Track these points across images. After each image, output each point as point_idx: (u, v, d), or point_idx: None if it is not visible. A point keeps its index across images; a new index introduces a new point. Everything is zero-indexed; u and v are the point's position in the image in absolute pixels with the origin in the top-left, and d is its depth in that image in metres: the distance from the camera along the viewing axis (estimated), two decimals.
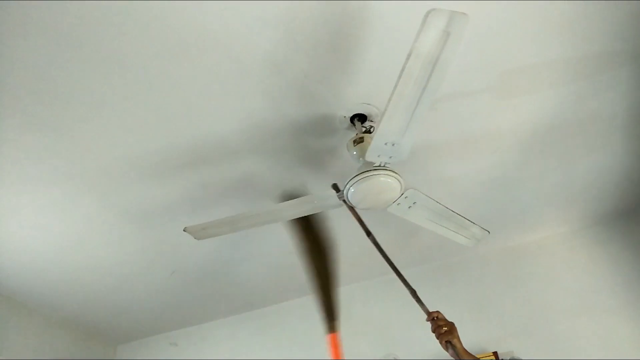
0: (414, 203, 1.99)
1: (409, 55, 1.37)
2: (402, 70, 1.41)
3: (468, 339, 2.85)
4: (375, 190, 1.80)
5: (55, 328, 3.25)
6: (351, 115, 1.98)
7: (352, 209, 1.92)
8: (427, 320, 1.64)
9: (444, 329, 1.57)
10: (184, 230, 2.01)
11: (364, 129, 1.97)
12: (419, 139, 2.15)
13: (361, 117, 1.98)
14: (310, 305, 3.28)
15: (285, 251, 2.84)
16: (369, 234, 1.91)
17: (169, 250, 2.76)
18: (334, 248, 2.04)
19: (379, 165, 1.77)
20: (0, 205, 2.26)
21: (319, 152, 2.19)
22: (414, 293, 1.75)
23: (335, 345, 1.84)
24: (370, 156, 1.72)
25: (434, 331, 1.59)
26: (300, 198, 1.94)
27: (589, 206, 2.79)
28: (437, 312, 1.62)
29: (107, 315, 3.32)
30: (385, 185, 1.78)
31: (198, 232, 2.03)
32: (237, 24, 1.60)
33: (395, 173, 1.77)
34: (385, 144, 1.66)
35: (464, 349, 1.56)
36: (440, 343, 1.58)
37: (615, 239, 2.88)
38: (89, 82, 1.75)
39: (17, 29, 1.54)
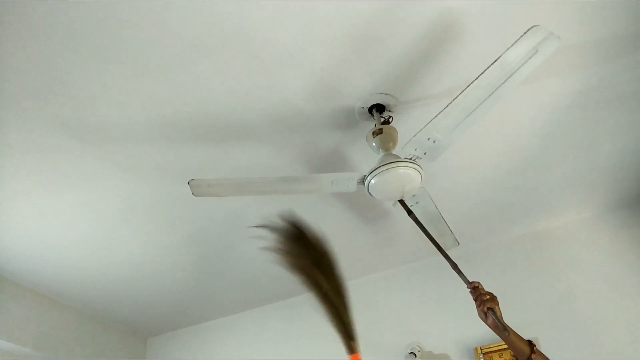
0: (416, 203, 2.02)
1: (494, 62, 1.44)
2: (481, 73, 1.47)
3: None
4: (400, 181, 1.79)
5: (87, 323, 3.35)
6: (369, 106, 1.99)
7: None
8: (469, 288, 1.65)
9: (486, 297, 1.58)
10: (188, 183, 1.89)
11: (382, 120, 1.97)
12: None
13: (379, 108, 1.98)
14: None
15: None
16: (410, 212, 1.92)
17: (197, 246, 2.82)
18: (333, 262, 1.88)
19: (411, 158, 1.77)
20: (33, 206, 2.34)
21: (338, 144, 2.20)
22: (455, 266, 1.78)
23: None
24: (409, 148, 1.73)
25: (475, 299, 1.61)
26: (317, 175, 1.94)
27: (612, 190, 2.75)
28: (478, 282, 1.64)
29: (137, 309, 3.41)
30: (408, 178, 1.78)
31: (202, 188, 1.90)
32: (255, 18, 1.61)
33: (420, 168, 1.78)
34: (428, 139, 1.68)
35: None
36: (480, 312, 1.58)
37: None
38: (111, 84, 1.79)
39: (36, 32, 1.58)
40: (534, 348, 1.51)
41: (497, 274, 2.98)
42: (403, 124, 2.02)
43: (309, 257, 1.82)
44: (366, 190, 1.87)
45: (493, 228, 2.98)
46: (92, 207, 2.41)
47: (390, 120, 2.00)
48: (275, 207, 2.52)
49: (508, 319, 2.76)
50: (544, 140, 2.33)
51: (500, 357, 2.72)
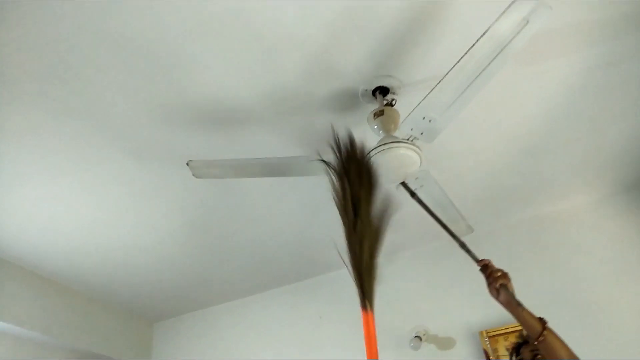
0: (421, 186, 1.98)
1: (483, 34, 1.39)
2: (472, 46, 1.42)
3: (497, 309, 2.84)
4: (399, 162, 1.77)
5: (94, 307, 3.38)
6: (373, 88, 1.97)
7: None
8: (479, 265, 1.64)
9: (498, 274, 1.57)
10: (187, 164, 1.90)
11: (385, 102, 1.95)
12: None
13: (383, 90, 1.96)
14: (341, 279, 3.34)
15: (315, 225, 2.87)
16: (413, 194, 1.90)
17: (202, 230, 2.82)
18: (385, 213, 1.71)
19: (408, 139, 1.75)
20: (37, 191, 2.35)
21: (341, 126, 2.18)
22: (462, 245, 1.75)
23: (368, 324, 1.71)
24: (404, 127, 1.70)
25: (487, 277, 1.59)
26: (313, 156, 1.87)
27: (619, 173, 2.72)
28: (488, 259, 1.62)
29: (144, 293, 3.44)
30: (407, 159, 1.76)
31: (201, 169, 1.91)
32: (256, 1, 1.59)
33: (419, 149, 1.75)
34: (424, 118, 1.66)
35: None
36: (492, 289, 1.58)
37: None
38: (114, 68, 1.79)
39: (40, 16, 1.57)
40: (546, 325, 1.50)
41: (502, 258, 2.92)
42: (407, 107, 1.99)
43: (360, 188, 1.60)
44: None
45: (498, 212, 2.97)
46: (96, 192, 2.42)
47: (393, 102, 1.98)
48: (279, 191, 2.55)
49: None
50: (550, 123, 2.30)
51: (505, 340, 2.73)
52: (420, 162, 1.80)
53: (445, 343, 2.87)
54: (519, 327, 2.70)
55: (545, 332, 1.48)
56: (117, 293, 3.38)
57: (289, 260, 3.26)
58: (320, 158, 1.71)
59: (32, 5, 1.53)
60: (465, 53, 1.45)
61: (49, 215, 2.53)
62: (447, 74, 1.51)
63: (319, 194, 2.57)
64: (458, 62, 1.48)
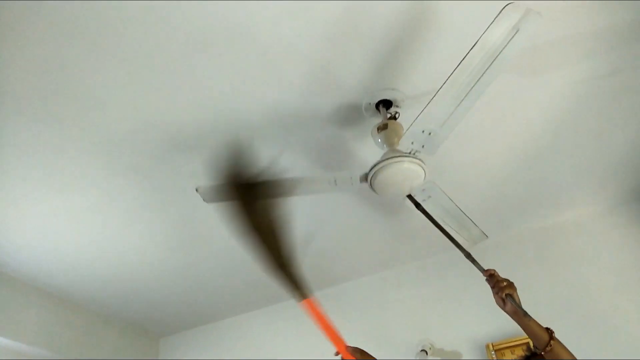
0: (429, 197, 1.99)
1: (474, 45, 1.39)
2: (464, 57, 1.43)
3: (503, 322, 2.82)
4: (401, 176, 1.79)
5: (100, 323, 3.37)
6: (376, 101, 1.98)
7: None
8: (485, 275, 1.64)
9: (504, 283, 1.56)
10: (196, 190, 1.94)
11: (389, 115, 1.97)
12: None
13: (386, 103, 1.98)
14: (348, 292, 3.33)
15: (321, 237, 2.88)
16: (417, 205, 1.93)
17: (207, 244, 2.83)
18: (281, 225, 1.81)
19: (410, 152, 1.76)
20: (43, 208, 2.36)
21: (345, 140, 2.20)
22: (468, 255, 1.76)
23: (314, 308, 1.74)
24: (405, 142, 1.72)
25: (493, 286, 1.59)
26: (320, 176, 1.96)
27: (624, 182, 2.71)
28: (493, 269, 1.62)
29: (150, 309, 3.43)
30: (411, 172, 1.77)
31: (210, 194, 1.95)
32: (261, 14, 1.61)
33: (422, 162, 1.77)
34: (423, 131, 1.67)
35: None
36: (498, 299, 1.57)
37: None
38: (115, 82, 1.80)
39: (41, 31, 1.59)
40: (553, 335, 1.50)
41: (507, 269, 2.91)
42: (410, 120, 2.00)
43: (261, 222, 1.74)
44: (370, 187, 1.86)
45: (503, 223, 2.96)
46: (101, 208, 2.42)
47: (397, 116, 1.99)
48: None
49: None
50: (554, 132, 2.31)
51: (512, 353, 2.70)
52: (425, 175, 1.81)
53: (451, 356, 2.85)
54: (526, 340, 2.68)
55: (552, 342, 1.48)
56: (123, 308, 3.37)
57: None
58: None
59: (37, 23, 1.55)
60: (458, 65, 1.45)
61: (54, 231, 2.54)
62: (441, 87, 1.52)
63: (324, 207, 2.58)
64: (451, 74, 1.48)
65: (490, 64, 1.44)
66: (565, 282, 2.78)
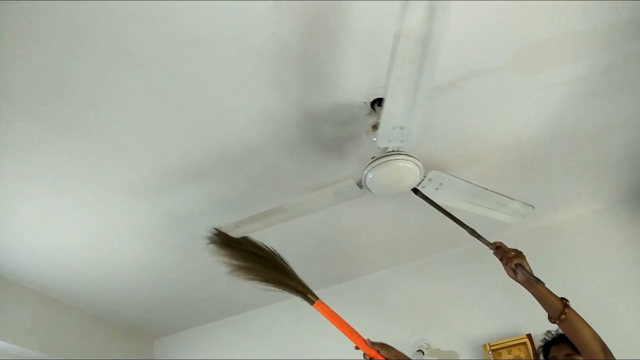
0: (440, 184, 1.95)
1: (397, 38, 1.32)
2: (394, 53, 1.36)
3: (501, 321, 2.83)
4: (393, 175, 1.78)
5: (94, 324, 3.35)
6: (371, 100, 1.96)
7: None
8: (491, 249, 1.62)
9: (512, 254, 1.54)
10: (217, 229, 2.11)
11: None
12: (442, 119, 2.12)
13: (382, 102, 1.95)
14: (346, 293, 3.30)
15: (318, 238, 2.86)
16: (416, 191, 1.92)
17: (202, 242, 2.79)
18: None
19: (393, 150, 1.75)
20: (34, 208, 2.33)
21: (341, 140, 2.18)
22: (473, 232, 1.76)
23: (326, 310, 1.91)
24: (381, 142, 1.71)
25: (501, 258, 1.57)
26: (324, 189, 1.95)
27: (622, 181, 2.70)
28: (500, 242, 1.60)
29: (144, 310, 3.41)
30: (402, 169, 1.76)
31: (232, 230, 2.10)
32: (253, 14, 1.59)
33: (411, 156, 1.75)
34: (393, 128, 1.64)
35: None
36: (509, 270, 1.55)
37: None
38: (109, 83, 1.77)
39: (36, 32, 1.56)
40: (567, 304, 1.46)
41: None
42: None
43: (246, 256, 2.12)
44: (367, 189, 1.86)
45: (500, 222, 2.94)
46: (96, 208, 2.40)
47: None
48: (265, 201, 2.53)
49: (517, 315, 2.75)
50: (551, 131, 2.29)
51: (509, 353, 2.69)
52: (420, 167, 1.80)
53: (448, 356, 2.84)
54: (523, 340, 2.67)
55: (566, 311, 1.44)
56: (117, 309, 3.34)
57: None
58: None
59: (32, 23, 1.53)
60: (392, 61, 1.39)
61: (49, 233, 2.51)
62: (387, 85, 1.47)
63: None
64: (391, 71, 1.42)
65: (426, 50, 1.35)
66: (563, 282, 2.75)
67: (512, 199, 2.08)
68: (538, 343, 2.51)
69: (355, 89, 1.92)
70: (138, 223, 2.55)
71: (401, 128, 1.64)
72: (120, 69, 1.72)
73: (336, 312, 2.00)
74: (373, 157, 1.79)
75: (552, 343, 2.14)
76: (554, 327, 1.74)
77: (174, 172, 2.24)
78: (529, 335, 2.67)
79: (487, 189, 2.01)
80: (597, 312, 2.64)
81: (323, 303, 1.98)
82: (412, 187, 1.90)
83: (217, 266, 3.01)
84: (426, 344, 2.86)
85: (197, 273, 3.06)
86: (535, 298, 1.54)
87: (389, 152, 1.76)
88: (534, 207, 2.15)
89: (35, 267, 2.75)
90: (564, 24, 1.78)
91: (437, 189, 1.95)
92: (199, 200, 2.43)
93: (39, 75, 1.71)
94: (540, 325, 2.68)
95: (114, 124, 1.95)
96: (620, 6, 1.74)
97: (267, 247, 2.18)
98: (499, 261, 1.68)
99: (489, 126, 2.21)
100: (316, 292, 3.55)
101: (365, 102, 1.97)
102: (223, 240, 2.15)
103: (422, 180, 1.89)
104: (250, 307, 3.58)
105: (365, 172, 1.79)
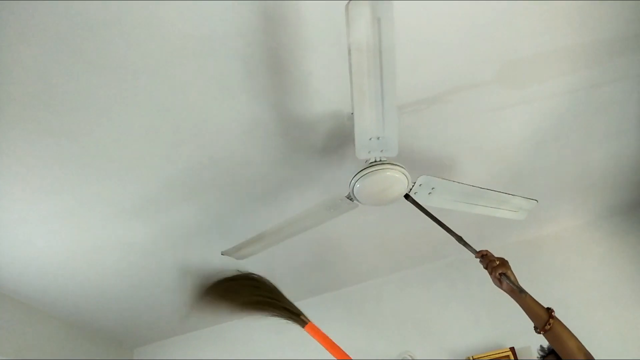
0: (432, 189, 1.94)
1: (349, 51, 1.33)
2: (350, 66, 1.37)
3: (485, 334, 2.84)
4: (380, 185, 1.78)
5: (72, 333, 3.27)
6: None
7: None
8: (477, 257, 1.61)
9: (496, 262, 1.53)
10: (222, 254, 2.18)
11: None
12: (427, 133, 2.13)
13: None
14: (326, 306, 3.28)
15: (301, 252, 2.84)
16: (407, 197, 1.92)
17: (184, 252, 2.77)
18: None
19: (376, 161, 1.75)
20: (13, 213, 2.28)
21: (330, 149, 2.17)
22: (460, 239, 1.75)
23: (318, 333, 1.94)
24: (361, 154, 1.71)
25: (486, 267, 1.56)
26: (316, 206, 1.97)
27: (605, 196, 2.73)
28: (486, 250, 1.59)
29: (123, 318, 3.34)
30: (388, 178, 1.76)
31: (235, 254, 2.16)
32: (241, 24, 1.58)
33: (395, 164, 1.75)
34: (370, 139, 1.65)
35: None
36: (494, 278, 1.54)
37: (634, 229, 2.82)
38: (95, 89, 1.75)
39: (19, 36, 1.54)
40: (552, 314, 1.46)
41: (488, 282, 2.93)
42: None
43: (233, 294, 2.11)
44: (357, 201, 1.86)
45: (484, 236, 2.96)
46: (76, 214, 2.35)
47: None
48: (257, 211, 2.51)
49: (500, 328, 2.76)
50: (535, 147, 2.31)
51: None
52: (407, 177, 1.80)
53: None
54: (507, 353, 2.67)
55: (551, 321, 1.43)
56: (95, 317, 3.28)
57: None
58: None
59: (17, 29, 1.50)
60: (350, 75, 1.39)
61: (27, 238, 2.45)
62: (351, 97, 1.48)
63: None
64: (352, 85, 1.43)
65: (381, 60, 1.36)
66: (545, 296, 2.73)
67: (513, 195, 2.05)
68: (522, 356, 2.52)
69: (342, 99, 1.92)
70: (120, 231, 2.50)
71: (377, 138, 1.65)
72: (105, 76, 1.70)
73: (323, 329, 2.00)
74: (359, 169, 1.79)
75: (548, 354, 2.14)
76: (539, 342, 1.74)
77: (157, 181, 2.21)
78: (512, 349, 2.68)
79: (482, 188, 1.99)
80: (579, 326, 2.64)
81: (314, 325, 1.97)
82: (404, 194, 1.89)
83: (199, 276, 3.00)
84: (410, 356, 2.86)
85: (177, 281, 3.02)
86: (521, 307, 1.54)
87: (372, 162, 1.76)
88: (537, 201, 2.10)
89: (11, 273, 2.68)
90: (550, 40, 1.80)
91: (430, 193, 1.94)
92: (184, 209, 2.40)
93: (23, 80, 1.68)
94: (524, 339, 2.70)
95: (98, 130, 1.92)
96: (606, 23, 1.77)
97: (256, 275, 2.18)
98: (483, 274, 1.68)
99: (474, 140, 2.23)
100: (299, 303, 3.53)
101: (351, 113, 1.96)
102: (209, 293, 2.14)
103: (413, 186, 1.88)
104: (231, 317, 3.53)
105: (352, 183, 1.79)
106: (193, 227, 2.56)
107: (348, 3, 1.20)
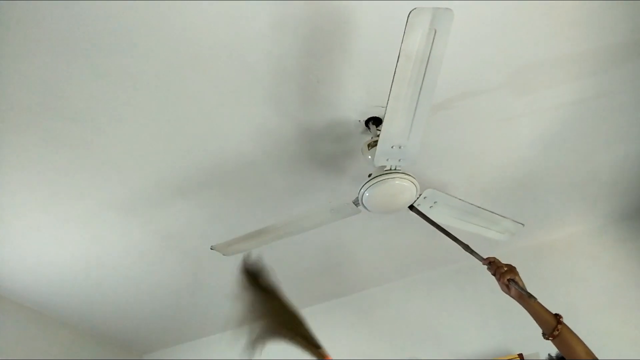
0: (434, 202, 1.95)
1: (398, 57, 1.35)
2: (394, 72, 1.39)
3: (493, 340, 2.82)
4: (390, 194, 1.78)
5: (82, 339, 3.30)
6: (366, 119, 1.98)
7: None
8: (484, 264, 1.61)
9: (504, 269, 1.53)
10: (211, 249, 2.07)
11: (379, 132, 1.95)
12: (436, 138, 2.14)
13: (376, 120, 1.97)
14: (333, 311, 3.28)
15: (308, 258, 2.85)
16: (411, 207, 1.92)
17: (192, 257, 2.79)
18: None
19: (390, 169, 1.76)
20: (26, 221, 2.31)
21: (336, 157, 2.19)
22: (466, 247, 1.74)
23: None
24: (379, 160, 1.71)
25: (494, 273, 1.56)
26: (320, 207, 1.95)
27: (614, 201, 2.73)
28: (493, 257, 1.59)
29: (132, 325, 3.36)
30: (399, 188, 1.76)
31: (225, 249, 2.09)
32: (249, 32, 1.60)
33: (408, 175, 1.76)
34: (392, 147, 1.65)
35: None
36: (502, 285, 1.54)
37: None
38: (105, 98, 1.78)
39: (31, 47, 1.57)
40: (561, 320, 1.45)
41: (497, 288, 2.93)
42: None
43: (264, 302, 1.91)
44: (364, 207, 1.86)
45: (492, 241, 2.95)
46: (85, 222, 2.38)
47: None
48: (260, 218, 2.52)
49: (509, 334, 2.75)
50: (543, 152, 2.31)
51: None
52: (416, 186, 1.80)
53: None
54: (515, 359, 2.66)
55: (559, 327, 1.42)
56: (105, 324, 3.30)
57: None
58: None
59: (27, 38, 1.53)
60: (392, 80, 1.42)
61: (37, 247, 2.48)
62: (387, 104, 1.49)
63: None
64: (390, 91, 1.45)
65: (425, 70, 1.39)
66: (554, 301, 2.73)
67: (504, 217, 2.10)
68: None
69: (350, 107, 1.93)
70: (130, 238, 2.53)
71: (399, 147, 1.66)
72: (115, 84, 1.73)
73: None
74: (370, 175, 1.79)
75: None
76: (547, 348, 1.73)
77: (167, 188, 2.23)
78: (520, 355, 2.67)
79: (479, 207, 2.03)
80: (587, 331, 2.63)
81: (328, 357, 1.89)
82: (409, 205, 1.90)
83: (209, 281, 3.01)
84: None
85: (188, 288, 3.04)
86: (529, 313, 1.54)
87: (387, 170, 1.76)
88: (524, 225, 2.17)
89: (22, 281, 2.71)
90: (558, 47, 1.81)
91: (431, 206, 1.96)
92: (192, 216, 2.42)
93: (33, 89, 1.71)
94: (532, 344, 2.69)
95: (108, 138, 1.95)
96: (612, 30, 1.77)
97: (288, 301, 2.02)
98: (491, 279, 1.68)
99: (482, 145, 2.23)
100: (306, 310, 3.54)
101: (359, 121, 1.98)
102: (252, 279, 1.99)
103: (418, 197, 1.89)
104: (241, 324, 3.53)
105: (362, 190, 1.79)
106: (203, 235, 2.58)
107: (412, 10, 1.24)
